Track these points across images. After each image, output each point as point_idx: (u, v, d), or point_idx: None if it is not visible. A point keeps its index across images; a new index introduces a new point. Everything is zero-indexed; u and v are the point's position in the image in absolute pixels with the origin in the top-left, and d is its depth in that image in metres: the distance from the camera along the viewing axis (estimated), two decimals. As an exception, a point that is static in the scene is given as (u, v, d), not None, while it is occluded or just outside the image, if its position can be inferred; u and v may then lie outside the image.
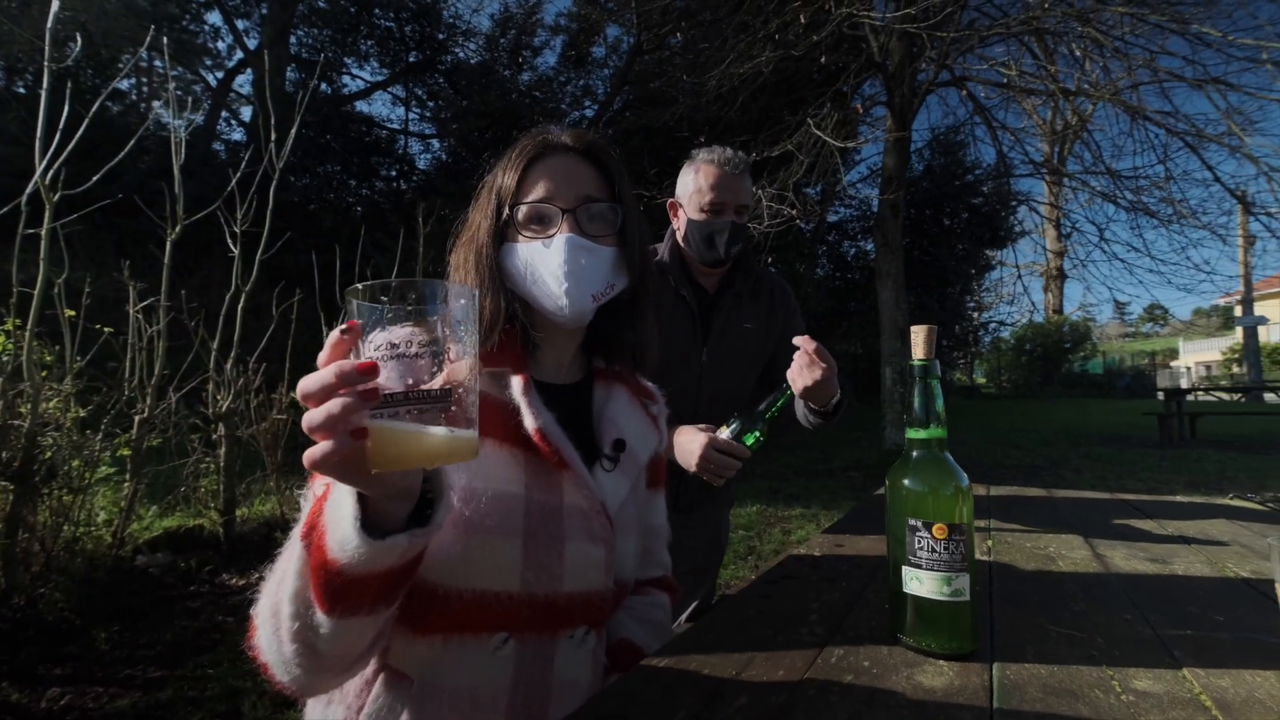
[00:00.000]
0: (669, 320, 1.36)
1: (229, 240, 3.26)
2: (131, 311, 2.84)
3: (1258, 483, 5.52)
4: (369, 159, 12.34)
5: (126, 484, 2.76)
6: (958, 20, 5.73)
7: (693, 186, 1.39)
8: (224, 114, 12.85)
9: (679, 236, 1.44)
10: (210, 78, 12.91)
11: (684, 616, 1.49)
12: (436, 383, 0.43)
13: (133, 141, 2.87)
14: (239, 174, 3.27)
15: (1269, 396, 12.14)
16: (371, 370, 0.41)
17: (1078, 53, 6.45)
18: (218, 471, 3.32)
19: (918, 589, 0.61)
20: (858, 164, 10.88)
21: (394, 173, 13.06)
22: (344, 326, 0.42)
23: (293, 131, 3.46)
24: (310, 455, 0.41)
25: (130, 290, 2.87)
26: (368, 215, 10.30)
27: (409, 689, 0.64)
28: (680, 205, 1.43)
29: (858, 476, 6.12)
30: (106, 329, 2.76)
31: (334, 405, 0.40)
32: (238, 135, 13.35)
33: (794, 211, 5.12)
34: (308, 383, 0.41)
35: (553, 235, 0.73)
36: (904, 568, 0.62)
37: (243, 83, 13.66)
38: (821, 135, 5.07)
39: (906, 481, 0.64)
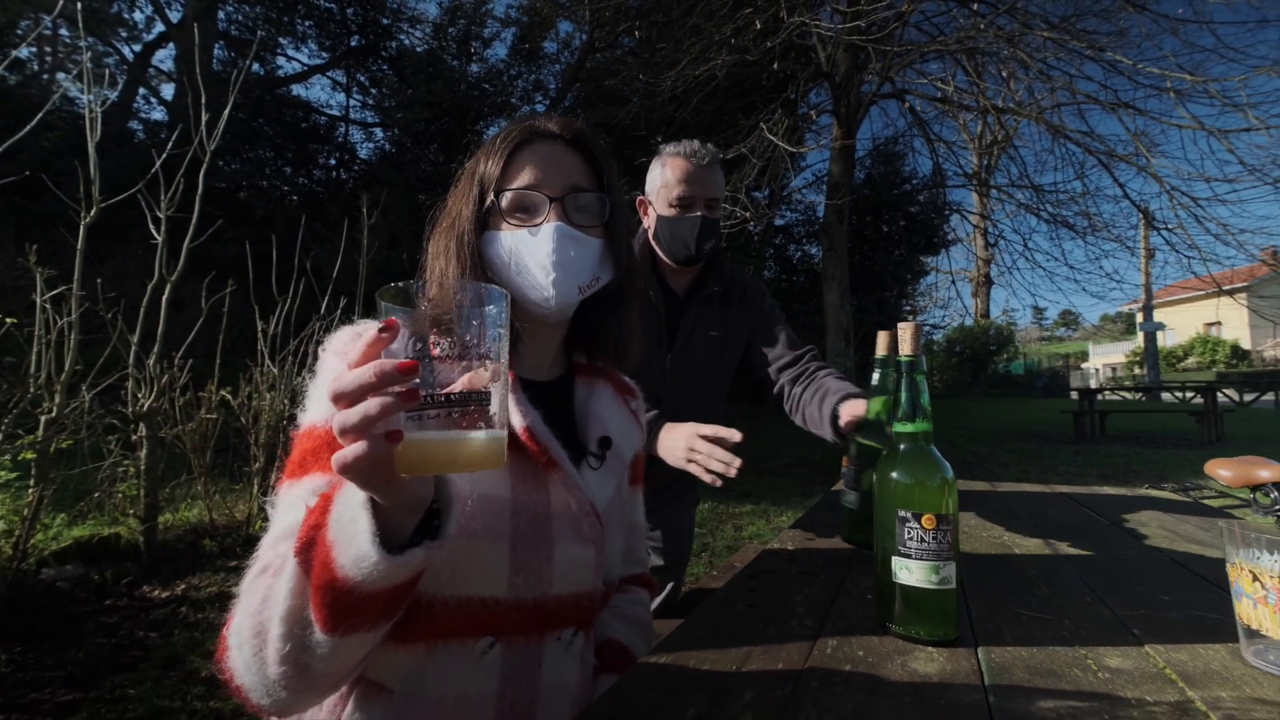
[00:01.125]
0: None
1: (151, 226, 3.01)
2: (39, 300, 2.58)
3: (1158, 474, 6.03)
4: (306, 145, 11.74)
5: (30, 491, 2.51)
6: (900, 35, 6.00)
7: (660, 181, 1.36)
8: (142, 91, 11.91)
9: (649, 235, 1.41)
10: (126, 50, 11.94)
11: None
12: (458, 386, 0.43)
13: (39, 116, 2.62)
14: (164, 155, 3.04)
15: (1166, 396, 13.32)
16: (412, 370, 0.39)
17: (1004, 73, 6.89)
18: (138, 475, 3.07)
19: (907, 578, 0.62)
20: (803, 170, 11.21)
21: (333, 161, 12.48)
22: (382, 325, 0.40)
23: (226, 112, 3.24)
24: (341, 458, 0.39)
25: (37, 277, 2.61)
26: (305, 205, 9.80)
27: (388, 701, 0.60)
28: (649, 202, 1.40)
29: (804, 473, 6.30)
30: (9, 320, 2.50)
31: (371, 405, 0.39)
32: (158, 114, 12.41)
33: (746, 214, 5.22)
34: (343, 381, 0.39)
35: (539, 224, 0.71)
36: (894, 558, 0.63)
37: (164, 58, 12.75)
38: (775, 140, 5.19)
39: (895, 474, 0.65)
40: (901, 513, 0.63)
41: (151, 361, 2.99)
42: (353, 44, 12.83)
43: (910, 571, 0.62)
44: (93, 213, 2.72)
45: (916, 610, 0.62)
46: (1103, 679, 0.55)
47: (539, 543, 0.65)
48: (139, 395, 3.00)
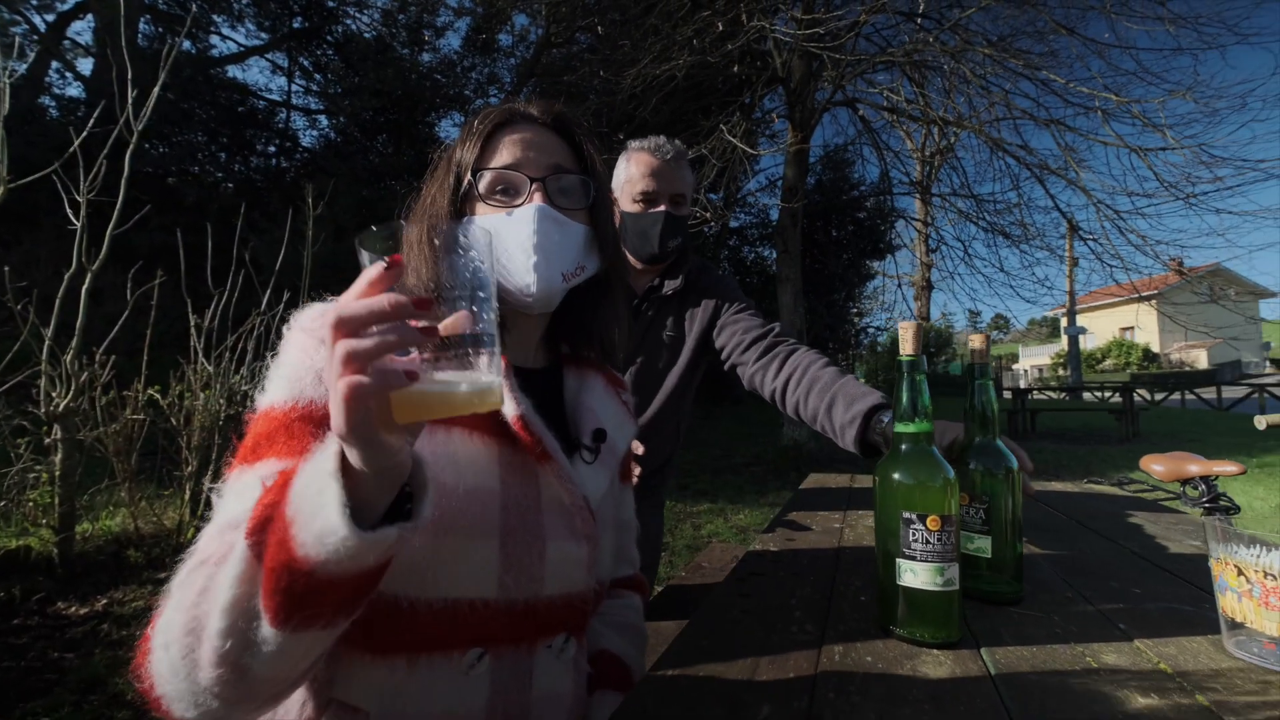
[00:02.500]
0: None
1: (69, 210, 2.76)
2: (-65, 289, 2.32)
3: (1084, 469, 6.44)
4: (242, 131, 11.07)
5: (-76, 500, 2.26)
6: (854, 45, 6.17)
7: (624, 176, 1.33)
8: (55, 65, 10.96)
9: None
10: (37, 20, 10.97)
11: None
12: (446, 326, 0.40)
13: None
14: (84, 134, 2.79)
15: (1087, 395, 14.28)
16: (427, 306, 0.37)
17: (947, 87, 7.21)
18: (51, 482, 2.81)
19: (912, 581, 0.61)
20: (757, 174, 11.40)
21: (273, 149, 11.82)
22: (387, 261, 0.37)
23: (155, 90, 3.00)
24: (355, 383, 0.35)
25: (-68, 263, 2.35)
26: (242, 193, 9.25)
27: None
28: (614, 198, 1.37)
29: (759, 471, 6.40)
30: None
31: (390, 333, 0.36)
32: (74, 90, 11.44)
33: (706, 214, 5.26)
34: (352, 307, 0.36)
35: (520, 205, 0.67)
36: (898, 560, 0.62)
37: (81, 30, 11.78)
38: (735, 141, 5.24)
39: (897, 475, 0.64)
40: (905, 514, 0.62)
41: (68, 358, 2.74)
42: (295, 25, 12.20)
43: (915, 574, 0.61)
44: (0, 193, 2.46)
45: (921, 613, 0.62)
46: (1104, 675, 0.56)
47: (530, 539, 0.61)
48: (53, 394, 2.74)
